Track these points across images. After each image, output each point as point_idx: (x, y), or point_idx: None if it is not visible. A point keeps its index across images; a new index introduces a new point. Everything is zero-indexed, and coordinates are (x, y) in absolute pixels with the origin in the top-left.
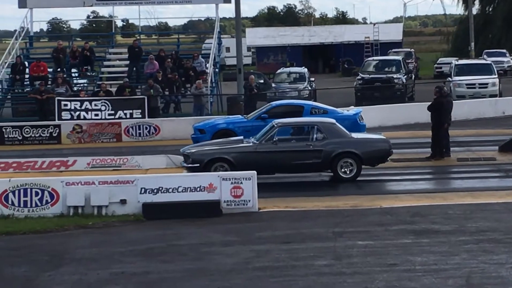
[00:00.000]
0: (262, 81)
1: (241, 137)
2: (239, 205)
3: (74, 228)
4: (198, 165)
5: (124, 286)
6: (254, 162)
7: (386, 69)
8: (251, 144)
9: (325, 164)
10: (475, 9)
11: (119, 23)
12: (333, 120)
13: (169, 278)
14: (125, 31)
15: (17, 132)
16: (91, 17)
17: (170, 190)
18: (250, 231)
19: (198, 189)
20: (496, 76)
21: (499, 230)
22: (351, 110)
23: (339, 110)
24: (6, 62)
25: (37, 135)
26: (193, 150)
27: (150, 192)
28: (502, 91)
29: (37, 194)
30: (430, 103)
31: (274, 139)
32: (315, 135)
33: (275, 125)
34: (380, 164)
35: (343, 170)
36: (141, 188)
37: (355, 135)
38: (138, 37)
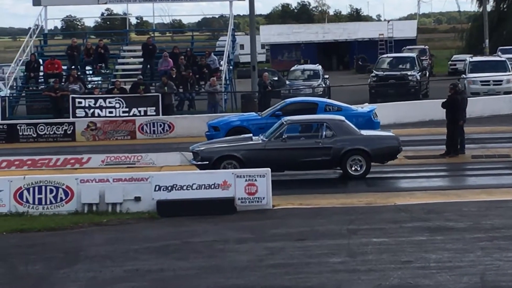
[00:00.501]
0: (276, 78)
1: (250, 135)
2: (253, 203)
3: (88, 225)
4: (207, 162)
5: (139, 283)
6: (263, 160)
7: (400, 66)
8: (260, 141)
9: (335, 162)
10: (489, 6)
11: (133, 21)
12: (342, 118)
13: (183, 275)
14: (139, 28)
15: (31, 129)
16: (105, 14)
17: (185, 188)
18: (264, 228)
19: (212, 187)
20: (511, 73)
21: None
22: (365, 107)
23: (353, 107)
24: (20, 60)
25: (51, 133)
26: (202, 148)
27: (165, 189)
28: None
29: (51, 191)
30: (444, 100)
31: (283, 137)
32: (324, 133)
33: (284, 123)
34: (390, 161)
35: (353, 167)
36: (156, 186)
37: (364, 132)
38: (152, 35)
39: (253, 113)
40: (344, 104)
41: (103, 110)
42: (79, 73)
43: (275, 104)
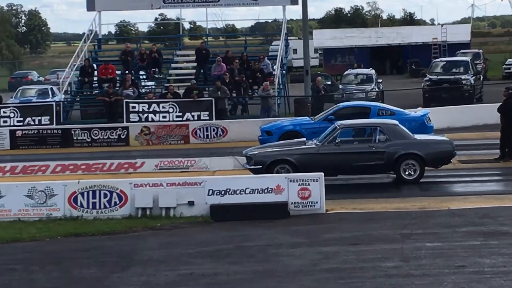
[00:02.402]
0: (329, 82)
1: (304, 139)
2: (307, 207)
3: (142, 229)
4: (261, 166)
5: (192, 287)
6: (316, 164)
7: (454, 70)
8: (313, 146)
9: (388, 166)
10: None
11: (187, 26)
12: (396, 122)
13: (237, 279)
14: (192, 33)
15: (85, 134)
16: (159, 19)
17: (238, 192)
18: (318, 232)
19: (265, 191)
20: None
21: None
22: (419, 112)
23: (406, 111)
24: (75, 65)
25: (105, 137)
26: (255, 152)
27: (218, 193)
28: None
29: (105, 195)
30: (500, 104)
31: (337, 141)
32: (377, 137)
33: (338, 127)
34: (444, 165)
35: (406, 172)
36: (209, 190)
37: (418, 136)
38: (206, 39)
39: (306, 117)
40: (397, 108)
41: (157, 114)
42: (132, 77)
43: (328, 108)
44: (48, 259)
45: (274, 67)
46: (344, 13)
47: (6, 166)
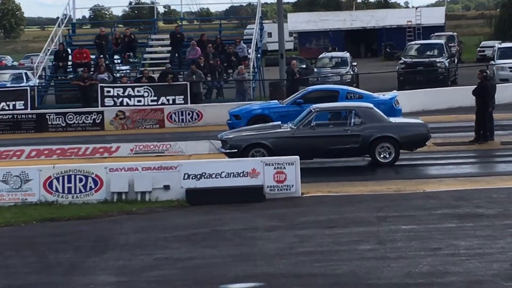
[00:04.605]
0: (304, 66)
1: (279, 122)
2: (282, 190)
3: (118, 214)
4: (236, 150)
5: (168, 271)
6: (292, 148)
7: (429, 53)
8: (288, 129)
9: (363, 149)
10: None
11: (161, 9)
12: (371, 105)
13: (213, 263)
14: (167, 17)
15: (60, 118)
16: (133, 3)
17: (213, 176)
18: (294, 216)
19: (241, 175)
20: None
21: None
22: (387, 95)
23: (374, 94)
24: (49, 49)
25: (80, 122)
26: (230, 136)
27: (194, 177)
28: None
29: (81, 180)
30: (475, 87)
31: (312, 124)
32: (352, 120)
33: (313, 110)
34: (419, 148)
35: (381, 155)
36: (184, 174)
37: (393, 119)
38: (180, 23)
39: (275, 101)
40: (366, 91)
41: (132, 99)
42: (107, 62)
43: None
44: (24, 244)
45: (249, 50)
46: None
47: None
